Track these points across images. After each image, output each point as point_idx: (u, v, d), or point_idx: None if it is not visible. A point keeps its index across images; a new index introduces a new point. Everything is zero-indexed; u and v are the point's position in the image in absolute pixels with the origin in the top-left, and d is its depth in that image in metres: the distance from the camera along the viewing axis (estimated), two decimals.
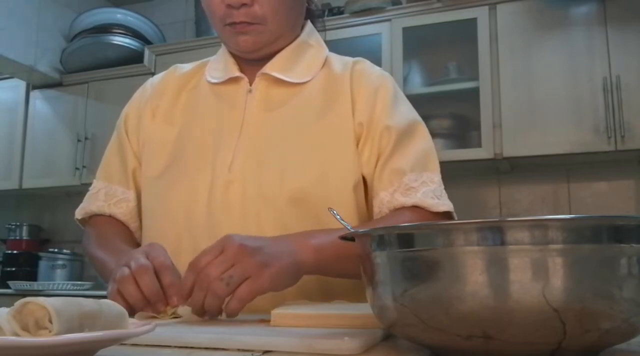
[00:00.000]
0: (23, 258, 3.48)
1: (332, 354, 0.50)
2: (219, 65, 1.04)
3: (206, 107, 1.01)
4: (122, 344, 0.53)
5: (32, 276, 3.36)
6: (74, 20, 3.45)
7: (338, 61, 1.04)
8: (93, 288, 3.12)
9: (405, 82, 2.78)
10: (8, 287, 3.09)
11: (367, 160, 0.95)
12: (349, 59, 1.05)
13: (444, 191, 0.96)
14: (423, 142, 0.98)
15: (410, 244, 0.46)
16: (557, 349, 0.42)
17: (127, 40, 3.35)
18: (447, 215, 0.94)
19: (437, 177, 0.96)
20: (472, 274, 0.42)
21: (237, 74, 1.00)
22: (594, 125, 2.44)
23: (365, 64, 1.04)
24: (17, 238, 3.59)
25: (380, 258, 0.48)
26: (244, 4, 0.91)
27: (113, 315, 0.46)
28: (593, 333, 0.42)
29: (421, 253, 0.44)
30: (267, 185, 0.91)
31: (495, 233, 0.42)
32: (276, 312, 0.66)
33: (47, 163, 3.47)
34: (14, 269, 3.44)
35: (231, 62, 1.01)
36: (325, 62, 1.03)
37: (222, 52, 1.05)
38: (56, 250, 3.43)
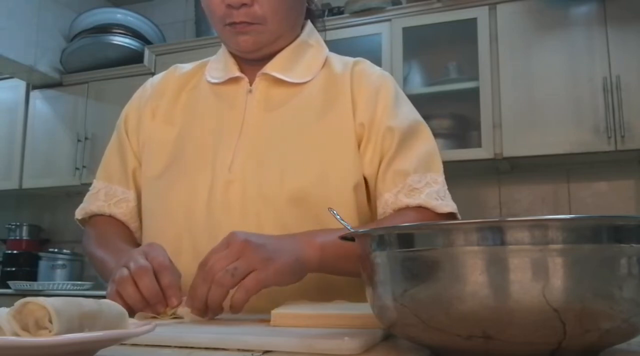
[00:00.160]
0: (23, 258, 3.49)
1: (332, 354, 0.50)
2: (219, 65, 1.04)
3: (206, 107, 1.01)
4: (122, 344, 0.53)
5: (32, 277, 3.37)
6: (74, 20, 3.45)
7: (338, 61, 1.04)
8: (93, 288, 3.12)
9: (405, 82, 2.78)
10: (8, 287, 3.10)
11: (369, 161, 0.95)
12: (349, 59, 1.05)
13: (447, 192, 0.96)
14: (426, 142, 0.98)
15: (410, 244, 0.46)
16: (557, 349, 0.42)
17: (127, 40, 3.35)
18: (451, 216, 0.94)
19: (440, 177, 0.96)
20: (472, 274, 0.42)
21: (237, 74, 1.00)
22: (594, 125, 2.44)
23: (365, 64, 1.04)
24: (17, 238, 3.59)
25: (380, 258, 0.48)
26: (244, 4, 0.91)
27: (113, 315, 0.46)
28: (593, 333, 0.42)
29: (421, 253, 0.44)
30: (267, 185, 0.91)
31: (495, 233, 0.42)
32: (276, 312, 0.66)
33: (47, 163, 3.47)
34: (14, 269, 3.44)
35: (231, 62, 1.01)
36: (326, 62, 1.03)
37: (222, 52, 1.05)
38: (56, 250, 3.43)
